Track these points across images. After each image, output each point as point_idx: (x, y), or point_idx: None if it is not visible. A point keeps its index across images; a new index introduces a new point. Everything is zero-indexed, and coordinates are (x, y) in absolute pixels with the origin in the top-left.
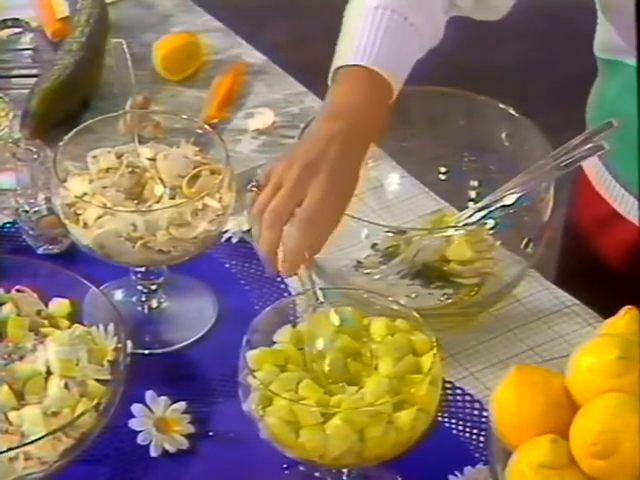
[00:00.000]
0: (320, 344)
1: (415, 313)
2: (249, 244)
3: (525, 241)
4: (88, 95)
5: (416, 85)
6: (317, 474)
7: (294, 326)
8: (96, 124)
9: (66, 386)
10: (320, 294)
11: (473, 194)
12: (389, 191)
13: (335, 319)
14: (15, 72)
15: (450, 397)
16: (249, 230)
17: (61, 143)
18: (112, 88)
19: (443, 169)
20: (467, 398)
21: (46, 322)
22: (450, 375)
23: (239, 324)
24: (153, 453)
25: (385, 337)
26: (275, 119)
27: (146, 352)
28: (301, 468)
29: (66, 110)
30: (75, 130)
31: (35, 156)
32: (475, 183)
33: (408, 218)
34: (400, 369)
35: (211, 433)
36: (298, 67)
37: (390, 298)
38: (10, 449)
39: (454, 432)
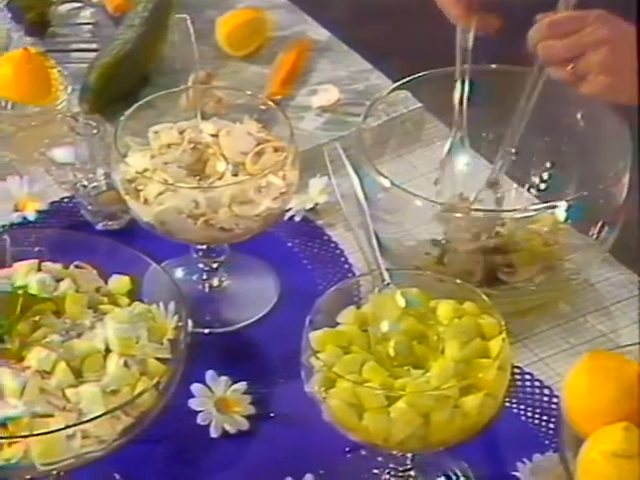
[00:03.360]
0: (385, 326)
1: (484, 296)
2: (312, 223)
3: (599, 225)
4: (148, 70)
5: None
6: (380, 458)
7: (358, 307)
8: (158, 99)
9: (125, 364)
10: (386, 275)
11: (545, 175)
12: (457, 171)
13: (401, 301)
14: (74, 46)
15: (519, 382)
16: (312, 208)
17: (122, 118)
18: (174, 64)
19: (513, 149)
20: (536, 384)
21: (105, 299)
22: (519, 360)
23: (301, 304)
24: (213, 434)
25: (452, 320)
26: (340, 96)
27: (206, 331)
28: (363, 452)
29: (125, 85)
30: (136, 105)
31: (94, 131)
32: (547, 164)
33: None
34: (467, 353)
35: (272, 414)
36: (363, 44)
37: (458, 280)
38: (68, 427)
39: (522, 418)
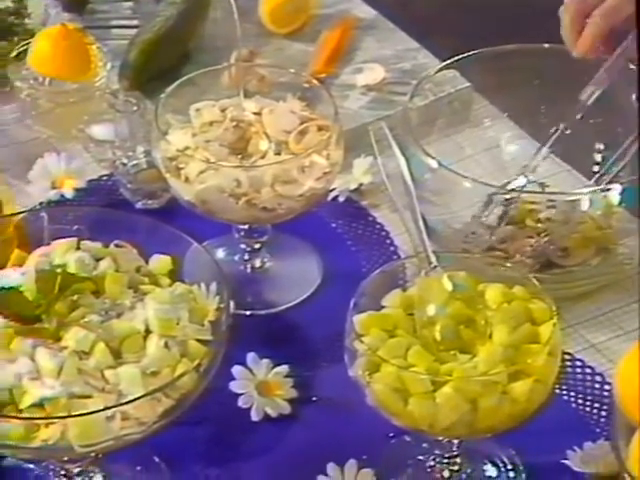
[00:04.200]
0: (431, 310)
1: (534, 280)
2: (356, 203)
3: None
4: (190, 47)
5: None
6: (425, 445)
7: (404, 290)
8: (199, 77)
9: (166, 345)
10: (433, 257)
11: (598, 157)
12: (505, 152)
13: (448, 284)
14: (114, 23)
15: (569, 369)
16: (357, 189)
17: (163, 95)
18: (216, 41)
19: (567, 131)
20: (587, 371)
21: (146, 279)
22: (570, 346)
23: (345, 286)
24: (254, 417)
25: (501, 304)
26: (385, 75)
27: (248, 313)
28: (407, 438)
29: (166, 62)
30: (178, 82)
31: (134, 108)
32: (601, 146)
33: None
34: (516, 338)
35: (314, 398)
36: (410, 22)
37: (508, 264)
38: (107, 408)
39: (573, 405)
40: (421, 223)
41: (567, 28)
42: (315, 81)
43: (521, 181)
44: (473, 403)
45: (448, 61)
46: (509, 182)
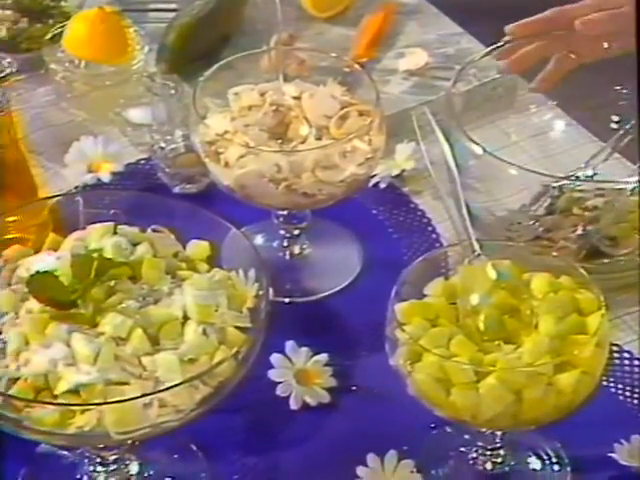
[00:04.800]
0: (475, 299)
1: (582, 270)
2: (398, 190)
3: None
4: (229, 31)
5: None
6: (467, 436)
7: (446, 279)
8: (238, 60)
9: (204, 332)
10: (477, 245)
11: None
12: (552, 139)
13: (492, 273)
14: (152, 6)
15: (617, 361)
16: (399, 175)
17: (201, 78)
18: (256, 24)
19: (616, 117)
20: (635, 363)
21: (184, 265)
22: (618, 338)
23: (386, 274)
24: (293, 405)
25: (547, 294)
26: (428, 60)
27: (286, 300)
28: (449, 429)
29: (204, 46)
30: (216, 66)
31: (172, 91)
32: None
33: (573, 168)
34: (563, 329)
35: (354, 387)
36: (453, 7)
37: (554, 253)
38: (144, 395)
39: (620, 398)
40: (465, 210)
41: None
42: (356, 65)
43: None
44: (517, 394)
45: (493, 46)
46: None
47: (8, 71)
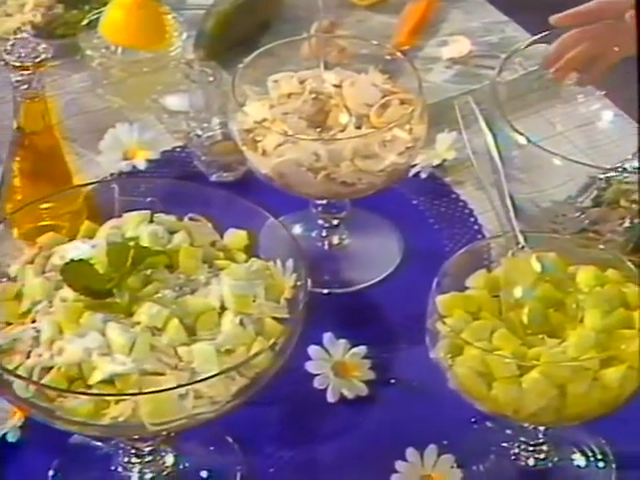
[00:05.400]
0: (518, 292)
1: (629, 263)
2: (439, 180)
3: None
4: (268, 18)
5: None
6: (509, 431)
7: (489, 271)
8: (278, 47)
9: (241, 323)
10: (521, 237)
11: None
12: (599, 130)
13: (537, 265)
14: None
15: None
16: (440, 165)
17: (240, 66)
18: (296, 11)
19: None
20: None
21: (221, 254)
22: None
23: (426, 266)
24: (330, 398)
25: (593, 288)
26: (472, 48)
27: (325, 291)
28: (489, 424)
29: (243, 32)
30: (256, 53)
31: (210, 78)
32: None
33: (620, 159)
34: (609, 323)
35: (393, 380)
36: None
37: (601, 246)
38: (180, 386)
39: None
40: (508, 202)
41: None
42: (398, 53)
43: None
44: (561, 389)
45: (540, 35)
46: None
47: (43, 57)
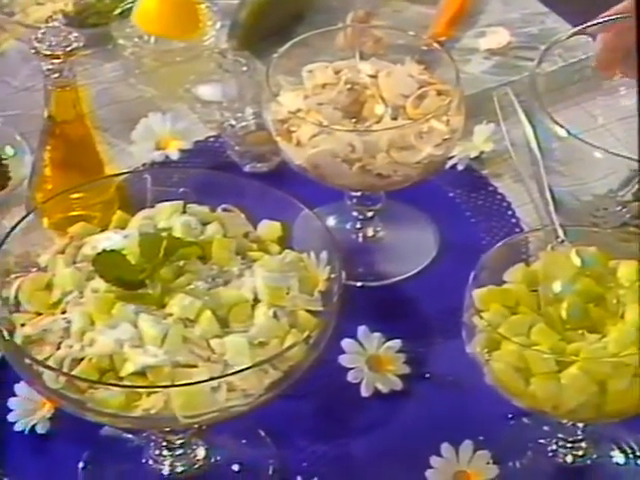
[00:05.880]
0: (557, 286)
1: None
2: (476, 172)
3: None
4: (302, 8)
5: None
6: (546, 427)
7: (527, 265)
8: (313, 37)
9: (275, 315)
10: (560, 231)
11: None
12: None
13: (576, 260)
14: None
15: None
16: (477, 157)
17: (275, 55)
18: (329, 2)
19: None
20: None
21: (254, 245)
22: None
23: (463, 259)
24: (364, 392)
25: (635, 283)
26: (510, 39)
27: (359, 284)
28: (526, 420)
29: (277, 22)
30: (290, 43)
31: (244, 68)
32: None
33: None
34: None
35: (428, 375)
36: None
37: None
38: (212, 378)
39: None
40: (548, 194)
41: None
42: (435, 44)
43: None
44: (601, 385)
45: (581, 26)
46: None
47: (75, 45)
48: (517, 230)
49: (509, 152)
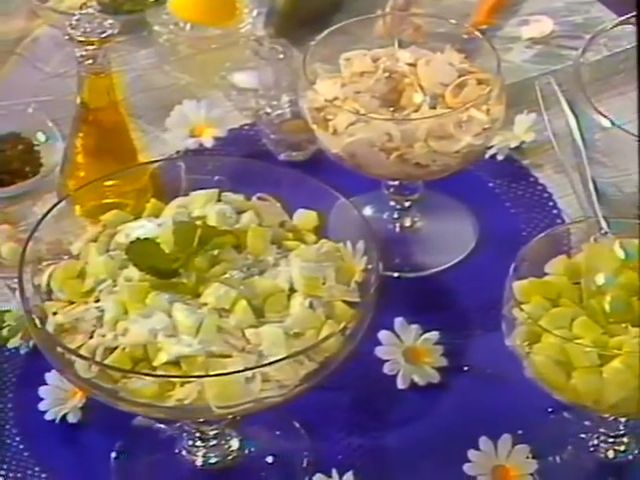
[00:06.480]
0: (600, 279)
1: None
2: (517, 162)
3: None
4: None
5: None
6: (587, 422)
7: (569, 257)
8: (351, 25)
9: (311, 306)
10: (603, 223)
11: None
12: None
13: (620, 252)
14: None
15: None
16: (517, 147)
17: (312, 43)
18: None
19: None
20: None
21: (290, 235)
22: None
23: (502, 250)
24: (400, 385)
25: None
26: (554, 28)
27: (395, 275)
28: (567, 415)
29: (314, 10)
30: (328, 30)
31: (280, 55)
32: None
33: None
34: None
35: (466, 367)
36: None
37: None
38: (247, 369)
39: None
40: (591, 186)
41: None
42: (476, 32)
43: None
44: None
45: (626, 16)
46: None
47: (109, 32)
48: (558, 221)
49: (551, 142)
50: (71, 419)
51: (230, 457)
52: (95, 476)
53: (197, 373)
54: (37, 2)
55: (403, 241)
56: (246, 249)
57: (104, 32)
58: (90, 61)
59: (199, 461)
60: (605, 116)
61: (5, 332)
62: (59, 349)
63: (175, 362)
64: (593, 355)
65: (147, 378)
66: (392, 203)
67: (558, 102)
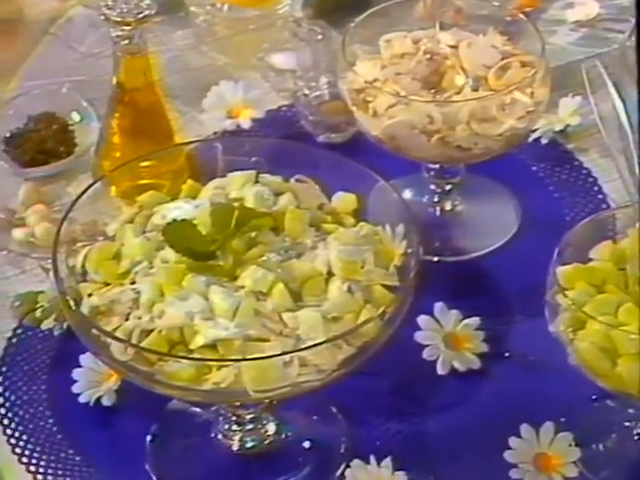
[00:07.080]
0: None
1: None
2: (561, 146)
3: None
4: None
5: None
6: (631, 410)
7: (615, 242)
8: (392, 7)
9: (349, 290)
10: None
11: None
12: None
13: None
14: None
15: None
16: (562, 130)
17: (352, 25)
18: None
19: None
20: None
21: (329, 218)
22: None
23: (545, 235)
24: (440, 370)
25: None
26: (600, 11)
27: (435, 259)
28: (611, 403)
29: None
30: (368, 12)
31: (319, 37)
32: None
33: None
34: None
35: (507, 354)
36: None
37: None
38: (284, 353)
39: None
40: (637, 170)
41: None
42: (520, 14)
43: None
44: None
45: None
46: None
47: (147, 12)
48: (604, 206)
49: (596, 126)
50: (105, 402)
51: (267, 442)
52: (130, 460)
53: (234, 357)
54: None
55: (443, 225)
56: (284, 232)
57: (141, 12)
58: (126, 41)
59: (235, 445)
60: None
61: (39, 313)
62: (94, 331)
63: (212, 345)
64: (639, 342)
65: (184, 361)
66: (432, 186)
67: (604, 85)
